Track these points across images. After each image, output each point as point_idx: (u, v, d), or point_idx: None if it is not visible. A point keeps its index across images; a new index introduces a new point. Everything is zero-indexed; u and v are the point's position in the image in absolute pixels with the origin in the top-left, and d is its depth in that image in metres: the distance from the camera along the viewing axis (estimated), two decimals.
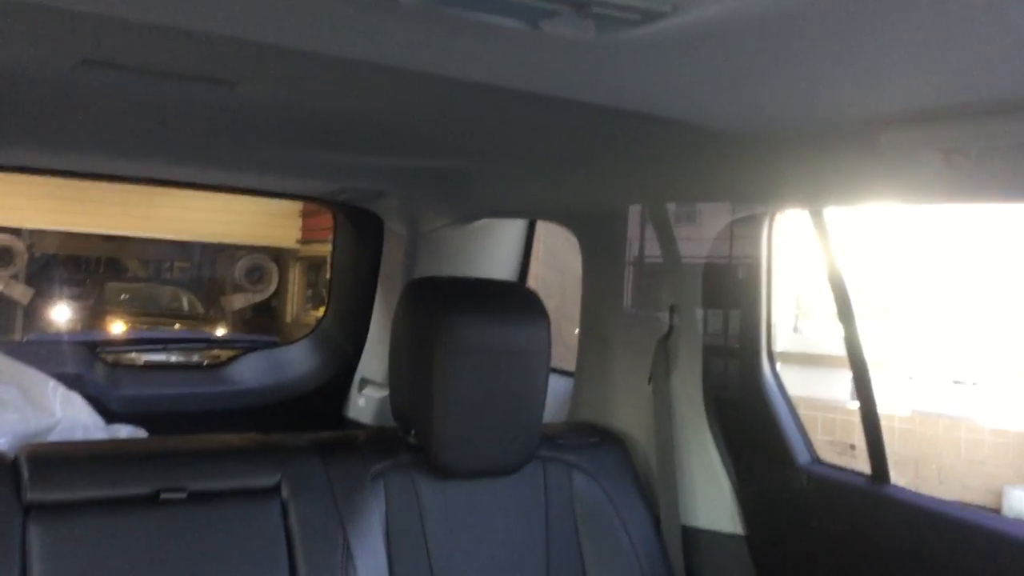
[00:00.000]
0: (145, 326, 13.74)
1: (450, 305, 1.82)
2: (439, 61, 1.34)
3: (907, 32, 1.11)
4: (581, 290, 2.39)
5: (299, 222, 15.83)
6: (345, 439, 1.91)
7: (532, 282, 3.33)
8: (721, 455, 2.05)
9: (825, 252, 1.87)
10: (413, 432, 1.85)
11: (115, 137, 2.34)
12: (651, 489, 2.08)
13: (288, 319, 17.01)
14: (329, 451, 1.81)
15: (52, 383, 2.22)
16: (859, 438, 1.92)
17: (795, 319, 9.09)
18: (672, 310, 2.10)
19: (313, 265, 16.44)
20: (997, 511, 7.69)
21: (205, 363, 4.21)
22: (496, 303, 1.92)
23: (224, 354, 3.82)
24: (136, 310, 14.95)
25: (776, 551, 1.97)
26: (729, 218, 2.03)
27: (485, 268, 3.04)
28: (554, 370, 2.01)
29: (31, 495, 1.54)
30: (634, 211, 2.21)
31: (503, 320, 1.86)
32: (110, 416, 2.37)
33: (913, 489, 1.90)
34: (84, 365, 3.04)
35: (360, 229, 3.35)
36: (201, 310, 16.18)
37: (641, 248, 2.22)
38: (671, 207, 2.09)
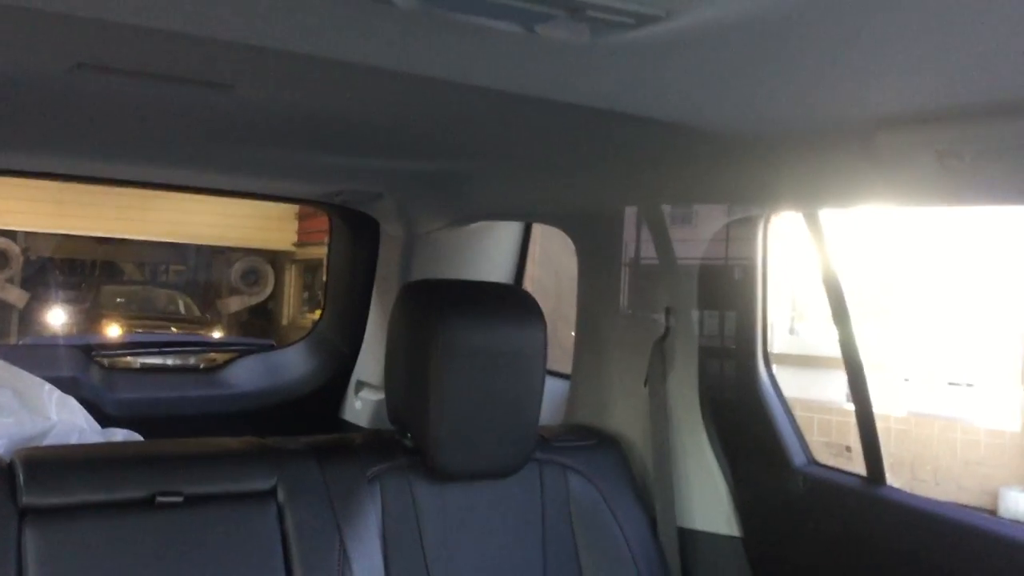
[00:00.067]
0: (141, 329, 13.71)
1: (446, 307, 1.82)
2: (435, 64, 1.35)
3: (901, 34, 1.11)
4: (577, 292, 2.39)
5: (295, 225, 15.83)
6: (341, 442, 1.91)
7: (528, 284, 3.33)
8: (717, 457, 2.06)
9: (820, 254, 1.87)
10: (409, 435, 1.85)
11: (111, 141, 2.34)
12: (647, 491, 2.08)
13: (284, 322, 17.01)
14: (325, 454, 1.81)
15: (47, 387, 2.21)
16: (855, 439, 1.92)
17: (791, 321, 9.10)
18: (668, 312, 2.10)
19: (309, 268, 16.44)
20: (993, 512, 7.71)
21: (201, 366, 4.20)
22: (492, 305, 1.92)
23: (220, 357, 3.81)
24: (132, 313, 14.94)
25: (772, 553, 1.97)
26: (725, 220, 2.03)
27: (481, 270, 3.04)
28: (550, 372, 2.01)
29: (27, 499, 1.54)
30: (630, 213, 2.21)
31: (499, 322, 1.86)
32: (106, 420, 2.37)
33: (909, 490, 1.90)
34: (80, 369, 3.04)
35: (356, 232, 3.35)
36: (197, 313, 16.16)
37: (637, 250, 2.22)
38: (667, 209, 2.10)
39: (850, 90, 1.38)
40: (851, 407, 1.95)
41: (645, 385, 2.10)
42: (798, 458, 1.97)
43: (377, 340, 3.18)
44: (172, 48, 1.39)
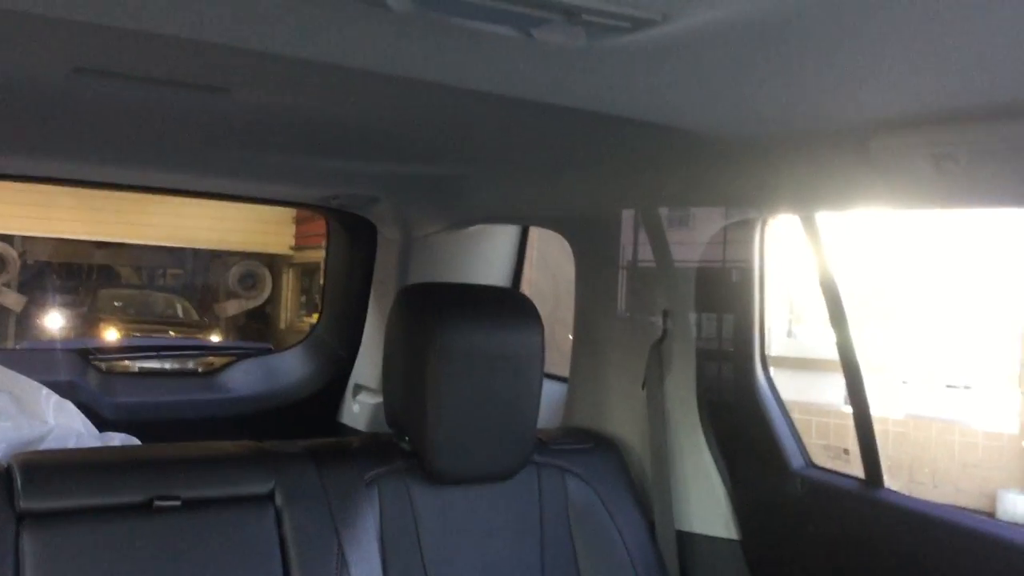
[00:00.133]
0: (139, 333, 13.70)
1: (443, 311, 1.82)
2: (431, 68, 1.35)
3: (896, 38, 1.12)
4: (574, 295, 2.39)
5: (292, 228, 15.83)
6: (339, 446, 1.91)
7: (525, 288, 3.33)
8: (715, 460, 2.06)
9: (817, 257, 1.88)
10: (407, 438, 1.85)
11: (108, 145, 2.34)
12: (645, 494, 2.08)
13: (282, 325, 17.00)
14: (323, 458, 1.81)
15: (45, 391, 2.21)
16: (853, 442, 1.92)
17: (789, 324, 9.10)
18: (665, 315, 2.10)
19: (307, 271, 16.44)
20: (991, 515, 7.71)
21: (199, 370, 4.20)
22: (489, 308, 1.92)
23: (218, 361, 3.81)
24: (130, 317, 14.92)
25: (771, 555, 1.97)
26: (722, 223, 2.03)
27: (478, 274, 3.04)
28: (548, 375, 2.01)
29: (24, 503, 1.54)
30: (627, 216, 2.21)
31: (496, 325, 1.86)
32: (103, 424, 2.37)
33: (907, 493, 1.90)
34: (77, 373, 3.03)
35: (353, 235, 3.35)
36: (195, 317, 16.15)
37: (634, 253, 2.22)
38: (664, 212, 2.10)
39: (846, 94, 1.38)
40: (849, 410, 1.95)
41: (643, 388, 2.10)
42: (796, 461, 1.97)
43: (375, 344, 3.18)
44: (169, 52, 1.39)
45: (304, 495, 1.73)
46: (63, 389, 2.35)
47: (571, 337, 2.39)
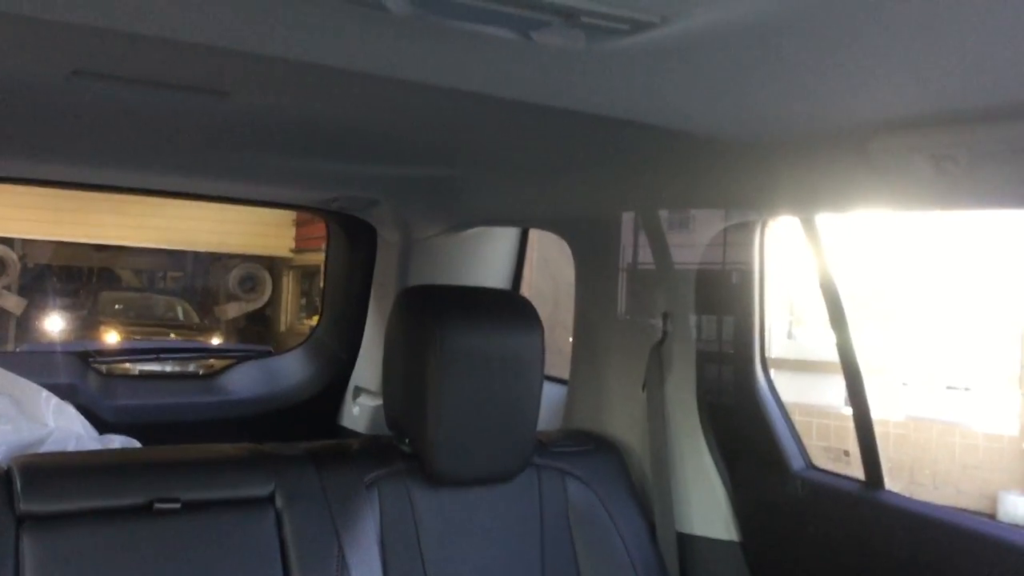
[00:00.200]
0: (139, 336, 13.72)
1: (443, 313, 1.82)
2: (431, 71, 1.35)
3: (895, 39, 1.12)
4: (574, 297, 2.39)
5: (292, 231, 15.83)
6: (339, 448, 1.91)
7: (525, 290, 3.33)
8: (716, 462, 2.05)
9: (817, 258, 1.88)
10: (407, 440, 1.85)
11: (108, 147, 2.34)
12: (646, 496, 2.08)
13: (282, 328, 16.99)
14: (323, 460, 1.81)
15: (45, 394, 2.21)
16: (853, 444, 1.92)
17: (789, 325, 9.10)
18: (665, 317, 2.10)
19: (307, 274, 16.43)
20: (992, 516, 7.71)
21: (199, 373, 4.20)
22: (489, 311, 1.92)
23: (218, 364, 3.81)
24: (130, 320, 14.93)
25: (771, 557, 1.97)
26: (722, 225, 2.03)
27: (478, 276, 3.04)
28: (548, 378, 2.01)
29: (24, 506, 1.54)
30: (627, 218, 2.21)
31: (497, 328, 1.86)
32: (103, 426, 2.37)
33: (908, 494, 1.90)
34: (77, 375, 3.03)
35: (353, 238, 3.35)
36: (196, 319, 16.15)
37: (634, 255, 2.22)
38: (664, 214, 2.10)
39: (845, 95, 1.38)
40: (849, 411, 1.95)
41: (643, 390, 2.10)
42: (796, 462, 1.97)
43: (375, 346, 3.18)
44: (168, 55, 1.39)
45: (304, 497, 1.73)
46: (63, 392, 2.36)
47: (571, 339, 2.39)
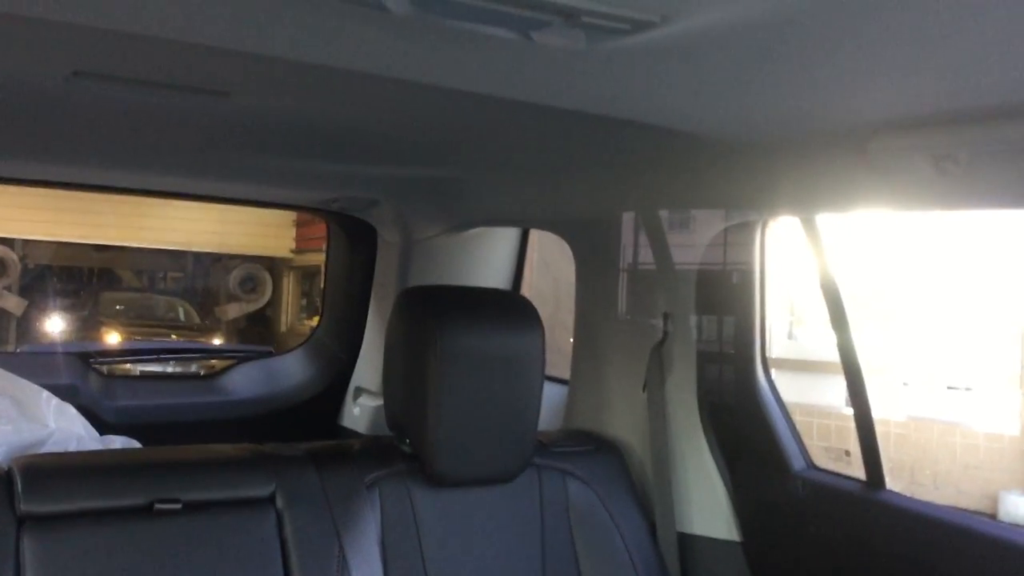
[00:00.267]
0: (140, 337, 13.71)
1: (444, 313, 1.82)
2: (431, 71, 1.35)
3: (895, 39, 1.12)
4: (575, 298, 2.39)
5: (293, 231, 15.82)
6: (340, 448, 1.91)
7: (526, 290, 3.33)
8: (716, 462, 2.05)
9: (818, 258, 1.88)
10: (408, 441, 1.85)
11: (108, 148, 2.34)
12: (647, 496, 2.08)
13: (283, 328, 16.99)
14: (324, 461, 1.81)
15: (45, 394, 2.21)
16: (854, 444, 1.92)
17: (789, 325, 9.10)
18: (666, 317, 2.10)
19: (307, 274, 16.42)
20: (993, 516, 7.71)
21: (200, 373, 4.20)
22: (490, 311, 1.92)
23: (219, 364, 3.82)
24: (131, 320, 14.92)
25: (772, 557, 1.97)
26: (722, 225, 2.03)
27: (479, 276, 3.04)
28: (549, 378, 2.01)
29: (25, 507, 1.54)
30: (627, 218, 2.21)
31: (497, 328, 1.86)
32: (104, 427, 2.37)
33: (908, 494, 1.90)
34: (78, 376, 3.03)
35: (353, 238, 3.35)
36: (196, 320, 16.15)
37: (634, 255, 2.22)
38: (664, 214, 2.10)
39: (845, 95, 1.38)
40: (850, 411, 1.95)
41: (644, 390, 2.10)
42: (797, 462, 1.97)
43: (375, 346, 3.18)
44: (168, 56, 1.39)
45: (305, 498, 1.73)
46: (64, 392, 2.36)
47: (572, 339, 2.39)
